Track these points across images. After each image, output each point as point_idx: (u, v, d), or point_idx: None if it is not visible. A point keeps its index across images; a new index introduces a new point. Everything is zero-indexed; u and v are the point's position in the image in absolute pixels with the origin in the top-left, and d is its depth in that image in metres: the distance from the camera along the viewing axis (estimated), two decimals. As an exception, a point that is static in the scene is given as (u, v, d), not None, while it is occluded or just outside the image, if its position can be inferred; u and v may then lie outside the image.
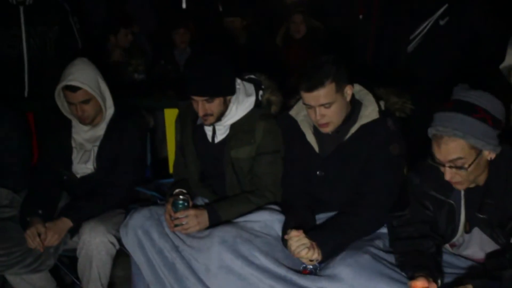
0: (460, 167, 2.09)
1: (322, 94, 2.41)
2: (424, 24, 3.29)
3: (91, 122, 3.00)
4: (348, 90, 2.51)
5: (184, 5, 6.06)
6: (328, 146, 2.62)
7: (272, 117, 2.79)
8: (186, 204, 2.63)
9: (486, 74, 2.90)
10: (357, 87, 2.61)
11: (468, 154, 2.06)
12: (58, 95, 2.96)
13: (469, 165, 2.08)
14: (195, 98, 2.65)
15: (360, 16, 4.23)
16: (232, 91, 2.73)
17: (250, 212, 2.64)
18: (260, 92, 2.83)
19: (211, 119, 2.71)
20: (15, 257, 2.73)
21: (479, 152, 2.08)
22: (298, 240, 2.32)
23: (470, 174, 2.11)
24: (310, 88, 2.42)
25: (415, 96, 2.66)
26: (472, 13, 3.21)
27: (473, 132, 2.04)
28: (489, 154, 2.11)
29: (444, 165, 2.11)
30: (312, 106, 2.46)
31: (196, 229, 2.58)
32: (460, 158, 2.07)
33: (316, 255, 2.32)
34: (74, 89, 2.85)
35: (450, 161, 2.09)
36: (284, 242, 2.42)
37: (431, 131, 2.12)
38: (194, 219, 2.58)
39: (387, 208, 2.44)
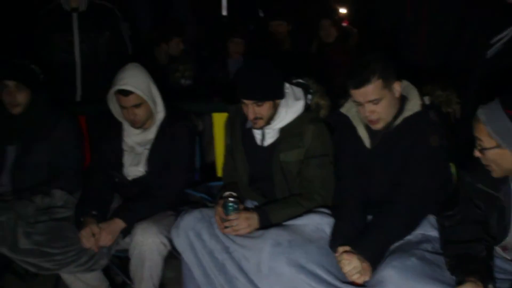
0: (480, 149, 2.16)
1: (370, 90, 2.46)
2: (507, 31, 3.25)
3: (142, 125, 3.07)
4: (397, 86, 2.54)
5: (224, 12, 6.09)
6: (377, 139, 2.66)
7: (321, 121, 2.82)
8: (236, 206, 2.66)
9: None
10: (404, 82, 2.63)
11: (486, 140, 2.14)
12: (111, 99, 3.03)
13: (486, 150, 2.15)
14: (246, 101, 2.69)
15: (409, 16, 4.20)
16: (281, 95, 2.77)
17: (299, 215, 2.66)
18: (309, 96, 2.87)
19: (260, 123, 2.75)
20: (70, 256, 2.81)
21: (498, 145, 2.11)
22: (349, 264, 2.34)
23: (493, 161, 2.17)
24: (358, 85, 2.47)
25: (473, 97, 2.64)
26: None
27: (494, 123, 2.10)
28: None
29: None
30: (361, 102, 2.50)
31: (246, 232, 2.61)
32: (480, 139, 2.16)
33: (367, 277, 2.34)
34: (126, 93, 2.92)
35: (476, 138, 2.17)
36: (333, 249, 2.45)
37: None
38: (244, 221, 2.62)
39: (425, 200, 2.48)
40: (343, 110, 2.75)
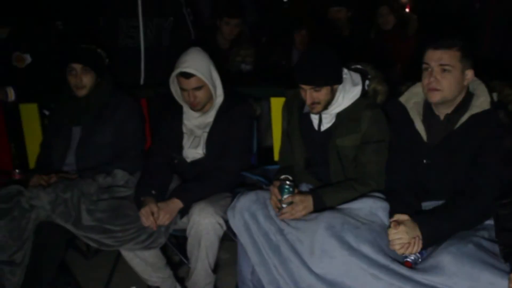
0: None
1: (446, 55, 2.47)
2: None
3: (201, 108, 3.14)
4: (469, 74, 2.51)
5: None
6: (437, 134, 2.61)
7: (378, 107, 2.81)
8: (291, 189, 2.69)
9: None
10: (474, 77, 2.58)
11: None
12: (173, 82, 3.12)
13: None
14: (304, 86, 2.72)
15: (477, 4, 4.12)
16: (339, 80, 2.78)
17: (353, 199, 2.67)
18: (367, 82, 2.86)
19: (318, 108, 2.77)
20: (130, 234, 2.91)
21: None
22: (396, 233, 2.33)
23: None
24: (438, 46, 2.48)
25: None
26: None
27: None
28: None
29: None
30: (431, 66, 2.49)
31: (302, 214, 2.64)
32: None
33: (414, 249, 2.32)
34: (188, 75, 2.99)
35: None
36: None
37: None
38: (299, 204, 2.64)
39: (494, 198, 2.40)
40: (402, 99, 2.73)
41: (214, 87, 3.11)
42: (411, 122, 2.65)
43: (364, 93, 2.85)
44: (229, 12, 4.56)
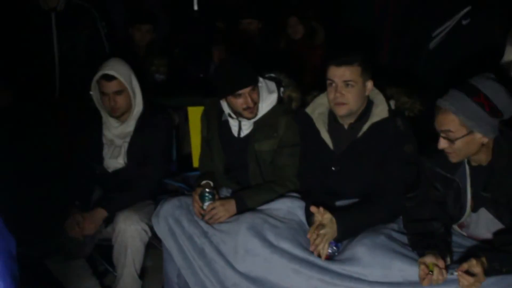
0: (450, 140, 2.29)
1: (348, 71, 2.61)
2: (448, 23, 3.43)
3: (120, 115, 3.19)
4: (369, 85, 2.69)
5: (196, 7, 6.12)
6: (342, 142, 2.79)
7: (293, 113, 2.97)
8: (211, 196, 2.81)
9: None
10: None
11: (457, 129, 2.27)
12: (94, 88, 3.16)
13: (457, 139, 2.28)
14: (243, 91, 2.82)
15: (376, 14, 4.36)
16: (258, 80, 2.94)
17: (272, 200, 2.82)
18: (281, 89, 3.02)
19: (255, 109, 2.90)
20: (55, 244, 2.94)
21: (469, 131, 2.27)
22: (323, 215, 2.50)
23: (459, 149, 2.31)
24: (340, 63, 2.62)
25: (431, 95, 2.83)
26: (492, 20, 3.34)
27: (465, 111, 2.24)
28: (481, 138, 2.29)
29: (438, 134, 2.32)
30: (335, 82, 2.64)
31: (226, 217, 2.76)
32: (450, 130, 2.28)
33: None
34: (110, 78, 3.07)
35: (442, 131, 2.30)
36: (309, 221, 2.62)
37: (437, 102, 2.33)
38: (221, 208, 2.77)
39: (401, 199, 2.61)
40: (308, 110, 2.88)
41: (134, 94, 3.18)
42: (317, 132, 2.82)
43: (279, 100, 3.00)
44: (139, 18, 4.61)
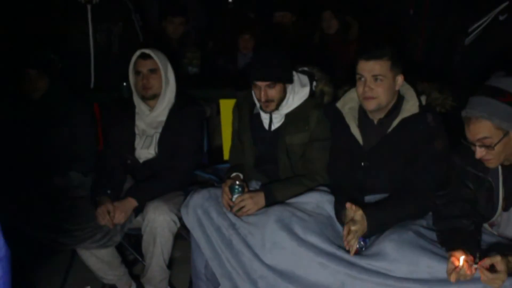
0: (487, 146, 2.25)
1: (378, 65, 2.61)
2: (484, 19, 3.39)
3: (151, 97, 3.24)
4: (399, 79, 2.67)
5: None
6: (372, 138, 2.78)
7: (325, 107, 2.97)
8: (241, 189, 2.82)
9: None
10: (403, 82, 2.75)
11: (494, 134, 2.22)
12: (131, 71, 3.26)
13: (496, 144, 2.23)
14: (259, 83, 2.86)
15: (411, 11, 4.34)
16: (290, 79, 2.94)
17: (301, 193, 2.82)
18: (314, 83, 3.02)
19: (272, 105, 2.91)
20: (86, 232, 2.98)
21: (505, 133, 2.22)
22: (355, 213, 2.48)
23: (498, 153, 2.26)
24: (369, 57, 2.62)
25: (466, 90, 2.79)
26: None
27: (497, 113, 2.20)
28: None
29: (474, 144, 2.28)
30: (364, 76, 2.64)
31: (255, 210, 2.77)
32: (486, 137, 2.23)
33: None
34: (146, 56, 3.17)
35: (478, 140, 2.26)
36: (338, 216, 2.62)
37: (462, 114, 2.29)
38: (250, 200, 2.78)
39: (432, 196, 2.58)
40: (338, 105, 2.88)
41: (167, 80, 3.24)
42: (347, 127, 2.81)
43: (312, 93, 3.00)
44: (173, 10, 4.66)
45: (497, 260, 2.12)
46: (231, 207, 2.81)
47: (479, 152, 2.28)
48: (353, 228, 2.46)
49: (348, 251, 2.48)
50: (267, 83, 2.86)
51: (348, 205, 2.50)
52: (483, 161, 2.33)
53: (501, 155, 2.29)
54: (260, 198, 2.80)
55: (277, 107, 2.94)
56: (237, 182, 2.85)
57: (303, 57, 3.41)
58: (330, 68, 3.29)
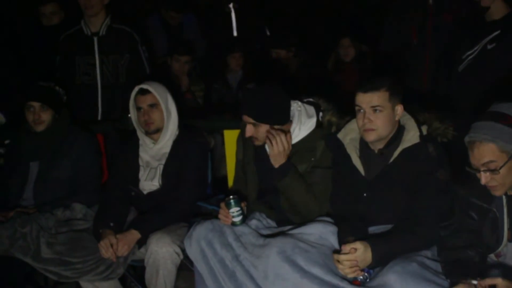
0: (493, 170, 2.23)
1: (376, 97, 2.61)
2: (475, 47, 3.42)
3: (154, 132, 3.26)
4: (399, 109, 2.67)
5: (235, 33, 6.24)
6: (374, 168, 2.77)
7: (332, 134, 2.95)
8: (234, 202, 2.82)
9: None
10: (404, 112, 2.74)
11: (499, 157, 2.22)
12: (132, 106, 3.29)
13: (501, 167, 2.22)
14: (244, 118, 2.87)
15: (415, 41, 4.36)
16: (281, 121, 2.90)
17: (304, 224, 2.80)
18: (320, 114, 3.02)
19: (257, 142, 2.93)
20: (89, 265, 2.98)
21: (510, 156, 2.22)
22: (349, 257, 2.46)
23: (504, 177, 2.25)
24: (366, 90, 2.62)
25: (463, 117, 2.79)
26: None
27: (501, 136, 2.21)
28: None
29: (479, 170, 2.26)
30: (363, 108, 2.64)
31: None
32: (491, 161, 2.23)
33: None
34: (145, 92, 3.19)
35: (483, 164, 2.25)
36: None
37: (466, 139, 2.30)
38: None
39: (435, 227, 2.57)
40: (340, 135, 2.87)
41: (169, 113, 3.26)
42: (348, 158, 2.80)
43: (319, 124, 2.99)
44: (179, 49, 4.73)
45: (499, 282, 2.11)
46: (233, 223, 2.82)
47: (484, 178, 2.27)
48: (342, 257, 2.45)
49: (351, 283, 2.45)
50: (252, 121, 2.86)
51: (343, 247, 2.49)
52: (488, 188, 2.31)
53: (506, 180, 2.27)
54: None
55: (264, 143, 2.92)
56: (231, 197, 2.85)
57: (311, 86, 3.41)
58: (341, 98, 3.28)
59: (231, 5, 5.88)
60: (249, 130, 2.88)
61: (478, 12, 3.45)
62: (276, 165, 2.85)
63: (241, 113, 2.90)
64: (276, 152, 2.82)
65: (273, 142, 2.81)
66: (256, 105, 2.86)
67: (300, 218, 2.92)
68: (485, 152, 2.24)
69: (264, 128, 2.86)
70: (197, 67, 5.00)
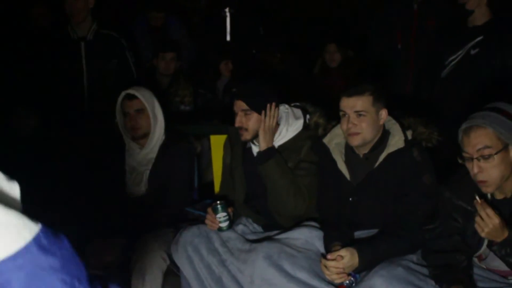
0: (487, 158, 2.25)
1: (360, 101, 2.62)
2: (458, 52, 3.46)
3: (141, 137, 3.27)
4: (383, 113, 2.68)
5: (228, 38, 6.24)
6: (359, 173, 2.78)
7: (318, 138, 2.96)
8: (221, 207, 2.84)
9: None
10: (388, 117, 2.75)
11: (494, 143, 2.24)
12: (118, 111, 3.28)
13: (496, 153, 2.24)
14: (236, 105, 2.88)
15: (399, 46, 4.39)
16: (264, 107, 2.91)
17: (290, 229, 2.81)
18: (307, 116, 3.04)
19: (246, 135, 2.91)
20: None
21: (504, 146, 2.25)
22: (336, 264, 2.46)
23: (495, 169, 2.26)
24: (350, 94, 2.64)
25: (447, 122, 2.81)
26: (501, 50, 3.35)
27: (498, 123, 2.25)
28: None
29: (472, 159, 2.28)
30: (347, 113, 2.65)
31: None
32: (487, 146, 2.25)
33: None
34: (131, 97, 3.19)
35: (478, 150, 2.26)
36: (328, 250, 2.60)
37: (462, 127, 2.31)
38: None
39: (421, 230, 2.58)
40: (325, 140, 2.88)
41: (156, 119, 3.26)
42: (334, 162, 2.81)
43: (305, 126, 3.01)
44: (163, 46, 4.71)
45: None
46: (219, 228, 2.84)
47: (477, 167, 2.28)
48: (329, 264, 2.46)
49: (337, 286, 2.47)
50: (245, 106, 2.86)
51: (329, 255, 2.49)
52: (479, 185, 2.32)
53: (497, 174, 2.28)
54: None
55: (252, 138, 2.93)
56: (218, 202, 2.86)
57: (298, 90, 3.42)
58: (327, 101, 3.30)
59: (227, 10, 5.90)
60: (239, 120, 2.89)
61: (461, 17, 3.48)
62: (263, 146, 2.86)
63: (234, 99, 2.91)
64: (267, 125, 2.84)
65: (268, 114, 2.83)
66: (249, 90, 2.91)
67: (287, 218, 2.92)
68: (482, 137, 2.26)
69: (255, 117, 2.87)
70: (184, 69, 4.97)
